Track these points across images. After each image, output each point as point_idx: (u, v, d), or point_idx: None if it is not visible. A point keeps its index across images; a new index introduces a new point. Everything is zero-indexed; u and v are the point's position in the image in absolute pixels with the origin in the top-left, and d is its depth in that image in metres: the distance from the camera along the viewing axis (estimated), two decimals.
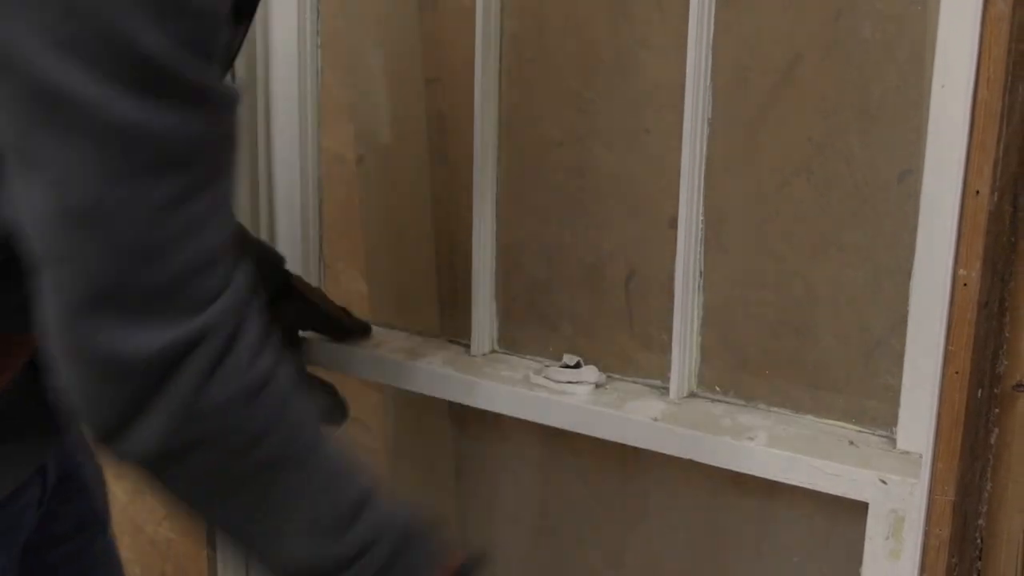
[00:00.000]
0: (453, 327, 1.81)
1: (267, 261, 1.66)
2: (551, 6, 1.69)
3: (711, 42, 1.55)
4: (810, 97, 1.53)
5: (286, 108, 1.84)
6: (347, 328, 1.75)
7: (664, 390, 1.64)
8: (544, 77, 1.71)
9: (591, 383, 1.66)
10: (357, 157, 1.86)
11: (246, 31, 1.24)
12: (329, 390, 1.66)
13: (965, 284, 1.35)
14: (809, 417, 1.58)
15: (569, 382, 1.67)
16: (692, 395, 1.64)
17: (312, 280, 1.87)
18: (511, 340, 1.77)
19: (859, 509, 1.47)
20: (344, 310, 1.76)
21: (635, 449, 1.62)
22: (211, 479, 1.07)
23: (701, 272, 1.61)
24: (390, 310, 1.84)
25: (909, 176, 1.47)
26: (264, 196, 1.87)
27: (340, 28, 1.82)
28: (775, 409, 1.60)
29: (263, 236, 1.87)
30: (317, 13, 1.81)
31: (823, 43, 1.51)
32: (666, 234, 1.63)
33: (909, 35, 1.45)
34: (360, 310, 1.82)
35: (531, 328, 1.76)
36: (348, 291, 1.88)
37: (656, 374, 1.67)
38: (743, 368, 1.62)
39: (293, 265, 1.86)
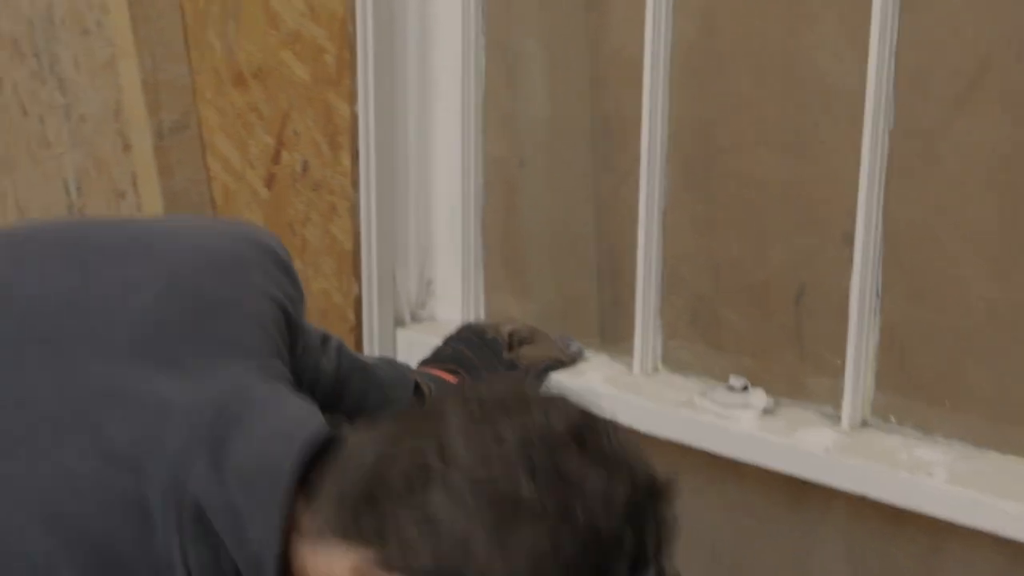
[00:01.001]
0: (614, 340, 1.74)
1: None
2: (724, 6, 1.60)
3: (894, 46, 1.44)
4: (999, 104, 1.42)
5: (448, 113, 1.78)
6: None
7: (836, 418, 1.55)
8: (714, 81, 1.62)
9: (759, 408, 1.57)
10: (519, 161, 1.79)
11: None
12: None
13: None
14: (992, 452, 1.47)
15: (736, 406, 1.58)
16: (865, 424, 1.54)
17: (470, 286, 1.81)
18: (674, 357, 1.69)
19: None
20: None
21: (804, 480, 1.53)
22: None
23: (878, 292, 1.51)
24: (549, 320, 1.77)
25: None
26: (417, 201, 1.82)
27: (504, 31, 1.76)
28: (955, 442, 1.49)
29: (411, 247, 1.83)
30: (482, 14, 1.74)
31: (1014, 46, 1.40)
32: (839, 249, 1.53)
33: None
34: (518, 318, 1.77)
35: (695, 346, 1.68)
36: (506, 299, 1.82)
37: (827, 399, 1.57)
38: (920, 396, 1.52)
39: (452, 271, 1.82)
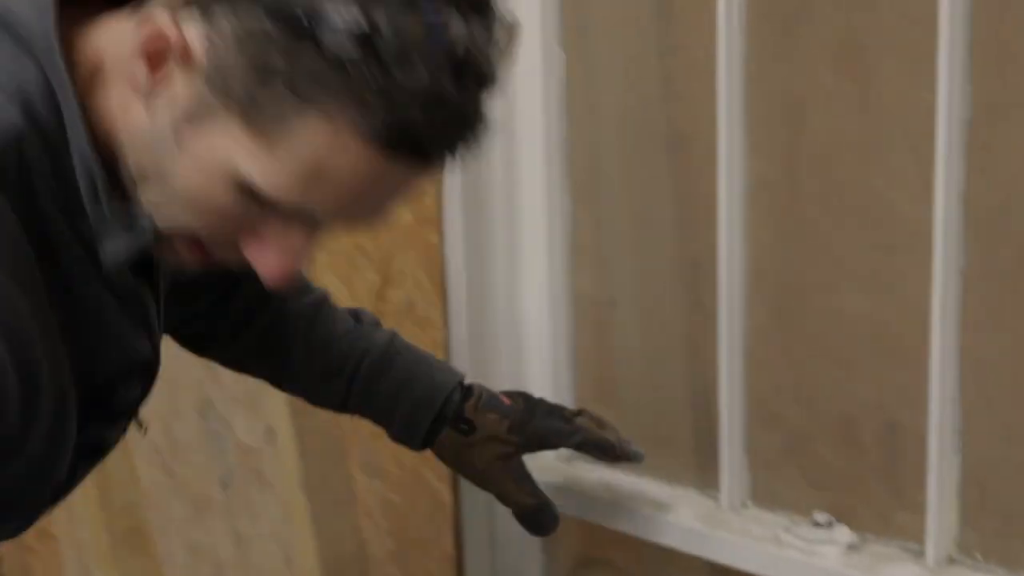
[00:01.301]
0: (709, 475, 1.75)
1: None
2: (799, 147, 1.63)
3: (962, 186, 1.45)
4: None
5: (534, 249, 1.83)
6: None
7: (921, 554, 1.54)
8: (794, 219, 1.64)
9: (843, 544, 1.58)
10: (610, 300, 1.82)
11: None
12: (539, 496, 1.59)
13: None
14: None
15: (820, 542, 1.59)
16: (951, 561, 1.53)
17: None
18: (765, 492, 1.70)
19: None
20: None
21: None
22: None
23: (958, 428, 1.50)
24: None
25: None
26: (508, 338, 1.86)
27: (589, 168, 1.80)
28: None
29: (503, 383, 1.84)
30: (567, 153, 1.79)
31: None
32: (927, 384, 1.53)
33: None
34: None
35: (786, 480, 1.68)
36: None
37: (914, 535, 1.56)
38: (1007, 532, 1.50)
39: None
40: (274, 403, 2.10)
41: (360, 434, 2.01)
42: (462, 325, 1.83)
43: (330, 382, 1.58)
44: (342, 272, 1.96)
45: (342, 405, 1.60)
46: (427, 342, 1.88)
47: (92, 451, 1.26)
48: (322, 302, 1.59)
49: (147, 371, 1.25)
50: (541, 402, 1.62)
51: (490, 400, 1.59)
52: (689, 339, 1.76)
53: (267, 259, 1.09)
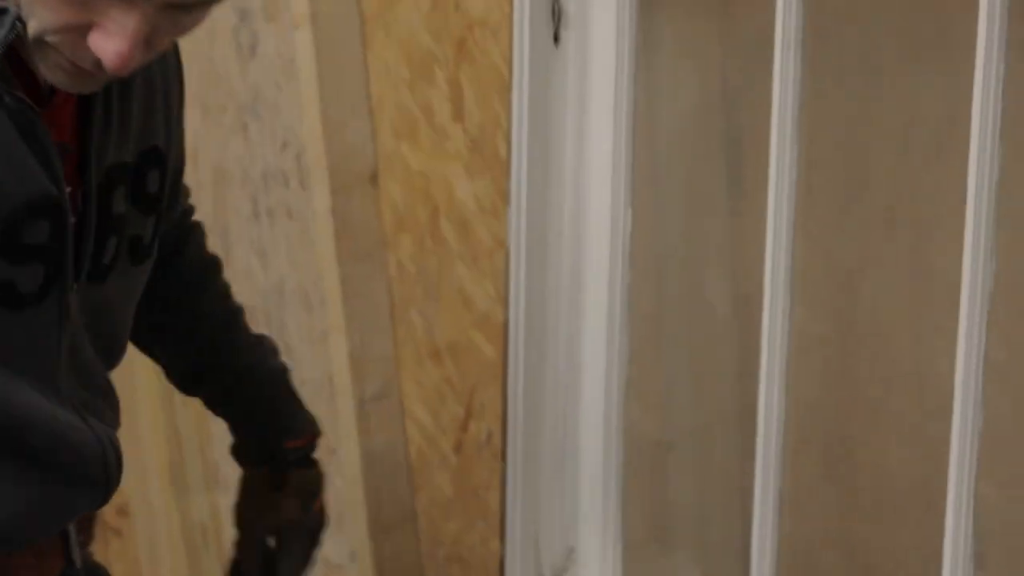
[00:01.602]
0: None
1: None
2: (851, 310, 1.70)
3: (982, 351, 1.52)
4: None
5: (593, 388, 1.90)
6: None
7: None
8: (842, 376, 1.71)
9: None
10: (668, 443, 1.89)
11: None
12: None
13: None
14: None
15: None
16: None
17: (608, 559, 1.90)
18: None
19: None
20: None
21: None
22: None
23: None
24: None
25: None
26: (564, 473, 1.94)
27: (650, 316, 1.88)
28: None
29: (555, 519, 1.91)
30: (629, 300, 1.87)
31: None
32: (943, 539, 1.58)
33: None
34: None
35: None
36: (647, 572, 1.89)
37: None
38: None
39: (593, 541, 1.91)
40: (357, 526, 2.19)
41: (435, 559, 2.10)
42: (517, 457, 1.90)
43: (210, 374, 1.61)
44: (432, 405, 2.06)
45: (212, 390, 1.63)
46: (499, 472, 1.97)
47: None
48: (238, 312, 1.64)
49: (56, 216, 1.27)
50: (313, 546, 1.65)
51: (316, 493, 1.62)
52: (741, 487, 1.82)
53: (104, 44, 1.16)
